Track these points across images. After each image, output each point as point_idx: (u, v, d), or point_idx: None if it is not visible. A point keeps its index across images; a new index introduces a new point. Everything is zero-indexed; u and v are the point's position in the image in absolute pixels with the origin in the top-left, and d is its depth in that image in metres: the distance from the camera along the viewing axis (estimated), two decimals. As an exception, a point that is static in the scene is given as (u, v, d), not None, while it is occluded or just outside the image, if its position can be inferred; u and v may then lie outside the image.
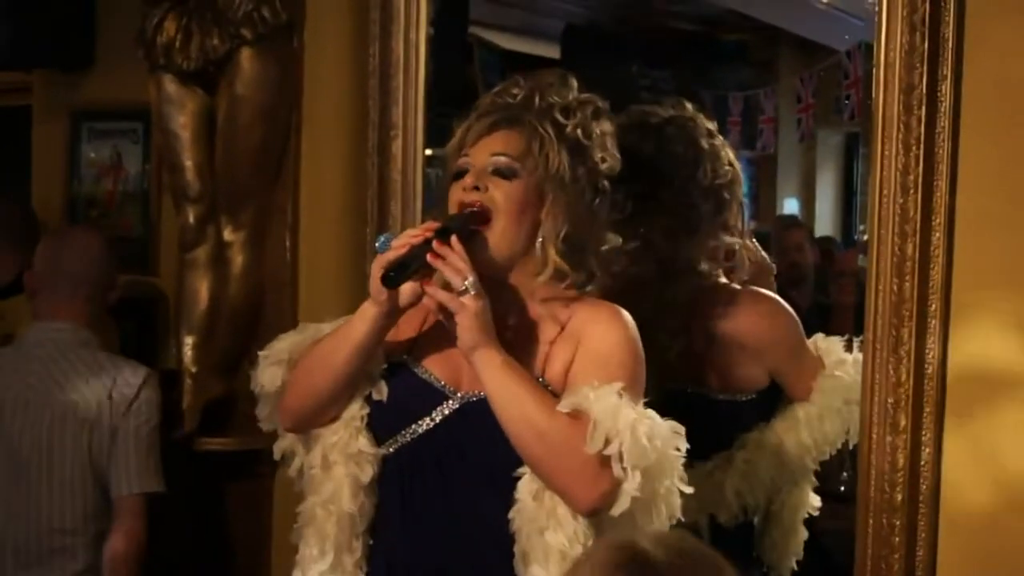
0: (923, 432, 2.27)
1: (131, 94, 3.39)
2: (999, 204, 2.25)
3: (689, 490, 1.95)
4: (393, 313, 2.02)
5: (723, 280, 2.59)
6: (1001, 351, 2.25)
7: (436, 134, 3.00)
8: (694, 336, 2.53)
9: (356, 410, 2.10)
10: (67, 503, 2.87)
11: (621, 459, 1.87)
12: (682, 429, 1.93)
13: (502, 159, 2.05)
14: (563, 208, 2.05)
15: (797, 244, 3.84)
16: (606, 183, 2.11)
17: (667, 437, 1.91)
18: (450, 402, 2.04)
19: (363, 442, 2.09)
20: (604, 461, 1.88)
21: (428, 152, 2.96)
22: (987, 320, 2.26)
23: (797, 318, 2.57)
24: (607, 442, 1.87)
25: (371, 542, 2.11)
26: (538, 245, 2.05)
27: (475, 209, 2.03)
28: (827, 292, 3.69)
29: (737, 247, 2.59)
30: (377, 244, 2.06)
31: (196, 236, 3.15)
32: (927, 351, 2.26)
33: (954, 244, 2.27)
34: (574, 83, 2.14)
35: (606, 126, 2.13)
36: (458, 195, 2.06)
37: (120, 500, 2.90)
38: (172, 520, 3.31)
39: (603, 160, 2.10)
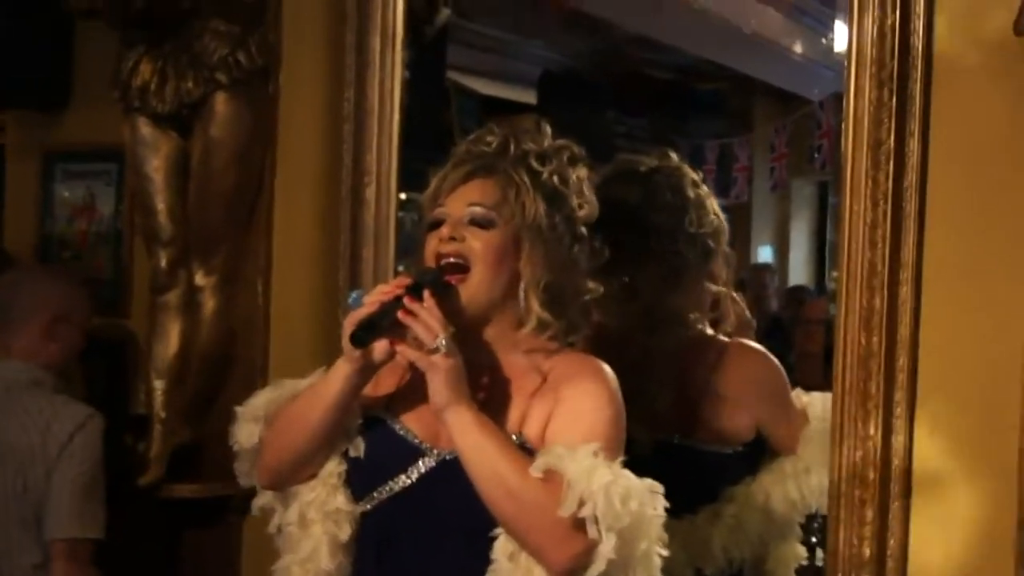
0: (892, 485, 2.27)
1: (105, 135, 3.38)
2: (966, 259, 2.26)
3: (666, 553, 1.92)
4: (367, 370, 2.00)
5: (709, 331, 2.59)
6: (967, 403, 2.25)
7: (411, 178, 3.01)
8: (681, 387, 2.52)
9: (333, 467, 2.08)
10: (2, 547, 2.82)
11: (596, 521, 1.84)
12: (660, 488, 1.90)
13: (478, 209, 2.04)
14: (542, 256, 2.03)
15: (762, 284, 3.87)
16: (583, 230, 2.09)
17: (644, 497, 1.87)
18: (427, 459, 2.02)
19: (341, 500, 2.07)
20: (578, 523, 1.85)
21: (403, 196, 2.97)
22: (955, 372, 2.27)
23: (783, 371, 2.57)
24: (581, 504, 1.84)
25: None
26: (520, 295, 2.04)
27: (450, 261, 2.02)
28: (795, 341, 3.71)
29: (722, 297, 2.60)
30: (349, 300, 2.05)
31: (167, 279, 3.14)
32: (895, 405, 2.26)
33: (921, 298, 2.28)
34: (548, 130, 2.14)
35: (582, 172, 2.12)
36: (434, 246, 2.05)
37: (52, 544, 2.82)
38: (140, 568, 3.28)
39: (580, 207, 2.09)
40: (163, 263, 3.15)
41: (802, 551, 2.62)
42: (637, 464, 1.93)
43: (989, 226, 2.24)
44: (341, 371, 2.01)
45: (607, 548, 1.84)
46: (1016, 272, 2.21)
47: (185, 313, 3.15)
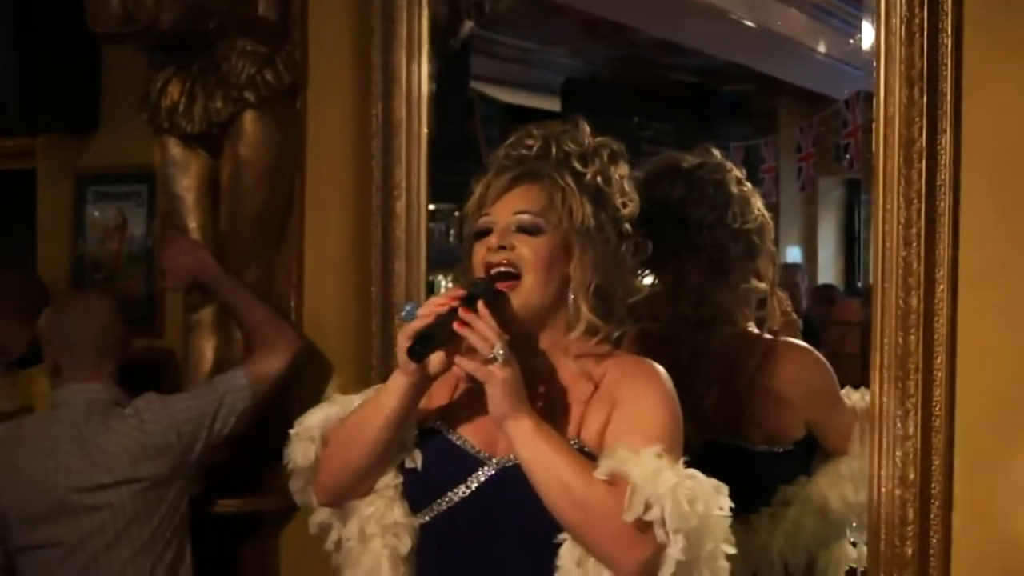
0: (932, 485, 2.27)
1: (135, 157, 3.42)
2: (1002, 255, 2.26)
3: (733, 551, 1.91)
4: (423, 383, 2.00)
5: (754, 330, 2.58)
6: (1006, 401, 2.25)
7: (438, 189, 3.02)
8: (728, 385, 2.51)
9: (390, 480, 2.08)
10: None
11: (663, 524, 1.83)
12: (725, 488, 1.89)
13: (526, 216, 2.03)
14: (591, 259, 2.02)
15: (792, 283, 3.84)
16: (627, 227, 2.08)
17: (710, 497, 1.86)
18: (485, 468, 2.01)
19: (399, 512, 2.06)
20: (644, 527, 1.84)
21: (432, 207, 2.98)
22: (993, 370, 2.26)
23: (831, 369, 2.54)
24: (647, 507, 1.83)
25: None
26: (570, 300, 2.03)
27: (501, 270, 2.01)
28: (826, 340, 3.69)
29: (767, 295, 2.58)
30: (403, 313, 2.05)
31: (201, 297, 3.16)
32: (934, 404, 2.26)
33: (958, 295, 2.27)
34: (587, 128, 2.12)
35: (623, 169, 2.10)
36: (483, 255, 2.04)
37: None
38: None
39: (624, 204, 2.07)
40: (196, 282, 3.17)
41: (852, 552, 2.59)
42: (686, 464, 1.92)
43: (1023, 221, 2.24)
44: (398, 385, 2.01)
45: (675, 550, 1.83)
46: (1052, 267, 2.20)
47: (219, 330, 3.17)
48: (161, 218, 3.43)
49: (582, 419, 2.00)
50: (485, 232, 2.05)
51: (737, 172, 2.61)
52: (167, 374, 3.45)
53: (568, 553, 1.92)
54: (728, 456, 2.47)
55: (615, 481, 1.86)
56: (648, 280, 2.46)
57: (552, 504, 1.89)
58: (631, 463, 1.87)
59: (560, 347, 2.06)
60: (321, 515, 2.18)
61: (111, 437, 2.88)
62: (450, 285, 3.98)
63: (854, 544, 2.56)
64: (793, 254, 4.51)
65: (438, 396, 2.10)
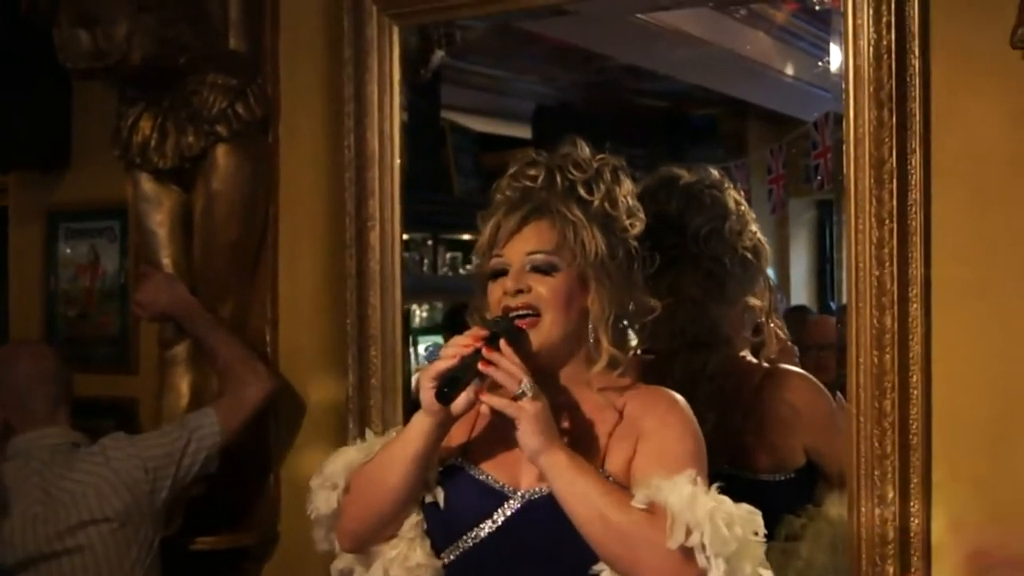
0: (911, 503, 2.27)
1: (107, 193, 3.40)
2: (974, 272, 2.27)
3: (771, 575, 1.89)
4: (447, 423, 1.99)
5: (751, 358, 2.58)
6: (983, 418, 2.26)
7: (411, 219, 3.01)
8: (726, 413, 2.49)
9: (413, 520, 2.06)
10: None
11: (704, 549, 1.82)
12: (759, 513, 1.89)
13: (539, 256, 2.02)
14: (608, 291, 2.02)
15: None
16: (636, 244, 2.08)
17: (746, 521, 1.87)
18: (511, 502, 2.00)
19: (420, 554, 2.05)
20: (686, 553, 1.83)
21: (405, 237, 2.98)
22: (968, 387, 2.27)
23: (830, 396, 2.54)
24: (687, 533, 1.83)
25: None
26: (591, 335, 2.03)
27: (520, 312, 2.00)
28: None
29: (763, 321, 2.58)
30: (428, 356, 2.05)
31: (175, 333, 3.14)
32: (911, 422, 2.27)
33: (931, 314, 2.29)
34: (586, 148, 2.11)
35: (627, 185, 2.10)
36: (498, 297, 2.03)
37: None
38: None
39: (632, 225, 2.08)
40: (171, 317, 3.15)
41: None
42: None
43: (994, 239, 2.26)
44: (421, 427, 1.99)
45: (718, 574, 1.82)
46: (1022, 283, 2.22)
47: (194, 365, 3.15)
48: (134, 254, 3.42)
49: (607, 450, 2.00)
50: (500, 273, 2.05)
51: (735, 193, 2.62)
52: (136, 410, 3.43)
53: None
54: (730, 486, 2.46)
55: (653, 509, 1.86)
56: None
57: (592, 536, 1.89)
58: (666, 490, 1.87)
59: (583, 380, 2.06)
60: (343, 561, 2.15)
61: (77, 477, 2.86)
62: (424, 315, 4.00)
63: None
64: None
65: (457, 433, 2.08)
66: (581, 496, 1.89)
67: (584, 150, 2.10)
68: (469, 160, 4.11)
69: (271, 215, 3.13)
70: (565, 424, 2.03)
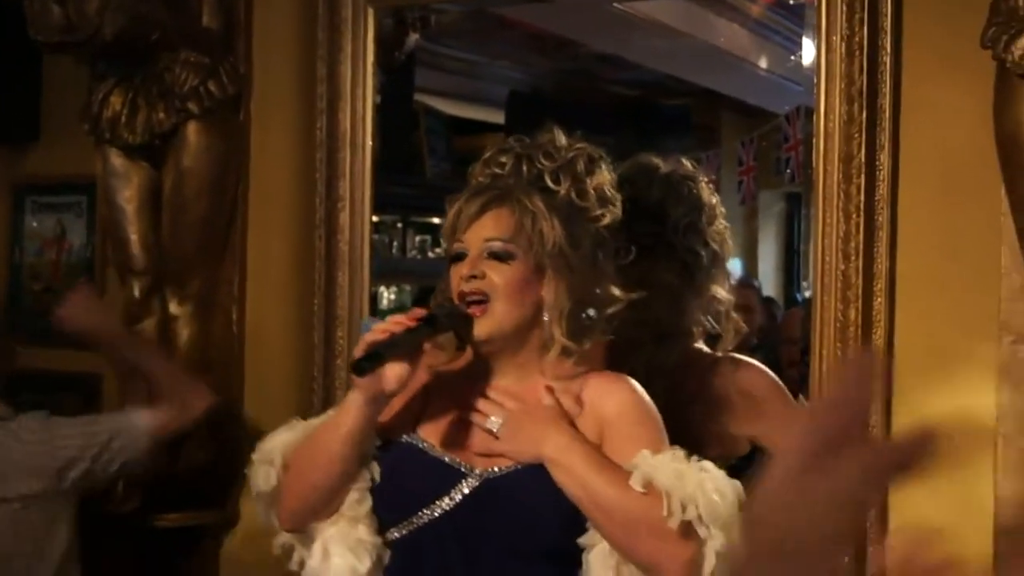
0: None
1: (76, 167, 3.38)
2: (939, 267, 2.30)
3: None
4: (379, 399, 1.99)
5: (703, 347, 2.60)
6: (944, 413, 2.27)
7: (381, 201, 3.01)
8: (679, 401, 2.53)
9: (352, 498, 2.05)
10: None
11: (701, 520, 1.85)
12: (737, 483, 1.91)
13: (496, 243, 2.01)
14: (565, 282, 2.02)
15: (747, 305, 3.86)
16: (606, 235, 2.08)
17: (731, 488, 1.89)
18: (469, 480, 1.99)
19: (362, 531, 2.04)
20: (685, 528, 1.86)
21: (375, 219, 2.97)
22: (929, 383, 2.30)
23: (782, 384, 2.54)
24: (683, 508, 1.85)
25: None
26: (545, 324, 2.03)
27: (474, 298, 2.01)
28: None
29: (724, 310, 2.60)
30: (361, 328, 2.05)
31: (141, 309, 3.13)
32: (872, 415, 2.29)
33: (895, 307, 2.31)
34: (562, 137, 2.09)
35: (602, 176, 2.08)
36: (456, 283, 2.03)
37: None
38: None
39: (603, 215, 2.07)
40: (137, 293, 3.13)
41: None
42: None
43: (960, 236, 2.28)
44: (353, 403, 1.99)
45: (716, 544, 1.85)
46: (986, 281, 2.24)
47: (160, 342, 3.14)
48: (101, 229, 3.40)
49: None
50: (459, 257, 2.05)
51: (707, 181, 2.63)
52: (101, 386, 3.42)
53: (601, 561, 1.92)
54: None
55: (648, 488, 1.88)
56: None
57: (595, 522, 1.92)
58: (653, 470, 1.89)
59: (537, 368, 2.06)
60: (284, 536, 2.15)
61: None
62: (392, 298, 4.00)
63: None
64: (734, 266, 4.55)
65: (408, 408, 2.09)
66: (580, 485, 1.92)
67: (560, 139, 2.09)
68: (441, 143, 4.11)
69: (241, 194, 3.11)
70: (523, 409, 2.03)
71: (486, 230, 2.03)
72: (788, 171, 3.86)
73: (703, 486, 1.86)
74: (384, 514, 2.04)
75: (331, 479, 2.03)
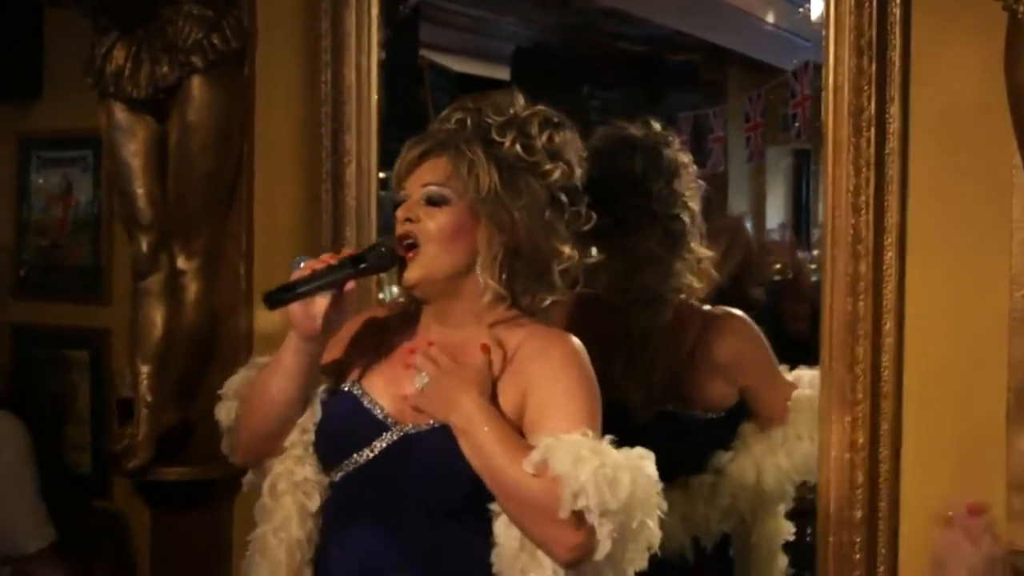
0: (880, 449, 2.30)
1: (80, 122, 3.37)
2: (949, 221, 2.29)
3: (665, 506, 1.92)
4: (314, 338, 2.05)
5: (692, 301, 2.62)
6: (954, 366, 2.28)
7: (388, 157, 3.00)
8: (672, 356, 2.56)
9: (297, 437, 2.13)
10: None
11: (590, 510, 1.84)
12: (650, 455, 1.90)
13: (432, 188, 2.05)
14: (501, 228, 2.03)
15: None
16: (561, 195, 2.07)
17: (635, 472, 1.87)
18: (390, 433, 2.04)
19: (308, 470, 2.11)
20: (575, 515, 1.85)
21: (382, 175, 2.97)
22: (940, 335, 2.29)
23: (765, 338, 2.63)
24: (575, 497, 1.84)
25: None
26: (479, 268, 2.04)
27: (408, 241, 2.04)
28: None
29: (709, 267, 2.63)
30: (292, 266, 2.08)
31: (149, 264, 3.13)
32: (882, 369, 2.29)
33: (906, 262, 2.30)
34: (520, 99, 2.11)
35: (561, 136, 2.09)
36: (397, 228, 2.08)
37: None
38: (130, 550, 3.29)
39: (552, 170, 2.06)
40: (144, 248, 3.13)
41: (788, 527, 2.65)
42: (637, 435, 1.94)
43: (971, 189, 2.27)
44: (290, 341, 2.07)
45: (605, 531, 1.85)
46: (997, 234, 2.23)
47: (168, 297, 3.14)
48: (107, 184, 3.40)
49: (492, 391, 2.01)
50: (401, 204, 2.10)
51: (677, 141, 2.66)
52: (109, 341, 3.42)
53: (506, 530, 1.94)
54: (674, 424, 2.55)
55: (540, 472, 1.87)
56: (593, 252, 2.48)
57: (494, 495, 1.93)
58: (552, 452, 1.87)
59: (473, 315, 2.07)
60: (249, 474, 2.24)
61: None
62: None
63: (804, 512, 2.61)
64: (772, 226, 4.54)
65: (357, 357, 2.16)
66: (479, 458, 1.93)
67: (518, 100, 2.11)
68: (446, 100, 4.05)
69: (246, 148, 3.11)
70: (452, 355, 2.04)
71: (425, 176, 2.07)
72: (795, 126, 3.84)
73: (596, 475, 1.84)
74: (321, 457, 2.11)
75: (273, 415, 2.11)
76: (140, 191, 3.12)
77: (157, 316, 3.12)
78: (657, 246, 2.54)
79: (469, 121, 2.08)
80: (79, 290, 3.50)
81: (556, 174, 2.07)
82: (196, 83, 3.02)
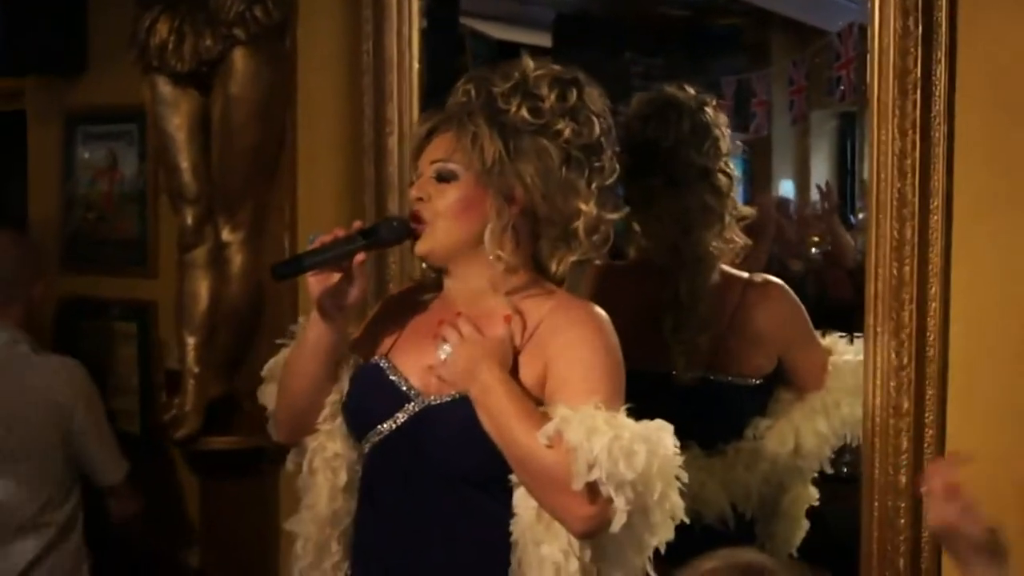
0: (926, 414, 2.28)
1: (125, 96, 3.40)
2: (996, 184, 2.25)
3: (683, 486, 1.92)
4: (332, 314, 2.07)
5: (730, 269, 2.63)
6: (1001, 331, 2.26)
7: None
8: (715, 323, 2.57)
9: (328, 412, 2.15)
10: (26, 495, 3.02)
11: (605, 481, 1.85)
12: (669, 427, 1.91)
13: (439, 165, 2.06)
14: (510, 198, 2.02)
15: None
16: (580, 152, 2.04)
17: (653, 444, 1.87)
18: (411, 405, 2.05)
19: (338, 445, 2.15)
20: (592, 488, 1.86)
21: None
22: (986, 300, 2.27)
23: (801, 304, 2.63)
24: (589, 468, 1.84)
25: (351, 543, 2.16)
26: (486, 240, 2.04)
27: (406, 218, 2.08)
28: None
29: (744, 219, 2.65)
30: (307, 242, 2.10)
31: (194, 237, 3.16)
32: (928, 334, 2.27)
33: (952, 226, 2.28)
34: (529, 63, 2.08)
35: (572, 94, 2.06)
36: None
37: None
38: (180, 519, 3.33)
39: (564, 130, 2.03)
40: (189, 220, 3.17)
41: (814, 492, 2.65)
42: (678, 401, 1.94)
43: (1017, 151, 2.23)
44: (312, 317, 2.10)
45: (620, 503, 1.85)
46: (1045, 197, 2.21)
47: (213, 269, 3.17)
48: (152, 158, 3.42)
49: (515, 364, 2.02)
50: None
51: (714, 101, 2.71)
52: (156, 313, 3.46)
53: (525, 501, 1.96)
54: (715, 391, 2.56)
55: (555, 443, 1.87)
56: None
57: (511, 465, 1.94)
58: (566, 423, 1.88)
59: (492, 284, 2.07)
60: (291, 453, 2.26)
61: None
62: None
63: (840, 475, 2.62)
64: (786, 187, 4.51)
65: (385, 332, 2.17)
66: (495, 430, 1.94)
67: (527, 64, 2.08)
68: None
69: (289, 120, 3.12)
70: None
71: (432, 153, 2.08)
72: (840, 89, 3.80)
73: (611, 447, 1.84)
74: (351, 429, 2.14)
75: (301, 392, 2.15)
76: (184, 164, 3.15)
77: (202, 288, 3.16)
78: (710, 197, 2.57)
79: (474, 92, 2.07)
80: (125, 263, 3.54)
81: (568, 132, 2.04)
82: (239, 56, 3.04)
